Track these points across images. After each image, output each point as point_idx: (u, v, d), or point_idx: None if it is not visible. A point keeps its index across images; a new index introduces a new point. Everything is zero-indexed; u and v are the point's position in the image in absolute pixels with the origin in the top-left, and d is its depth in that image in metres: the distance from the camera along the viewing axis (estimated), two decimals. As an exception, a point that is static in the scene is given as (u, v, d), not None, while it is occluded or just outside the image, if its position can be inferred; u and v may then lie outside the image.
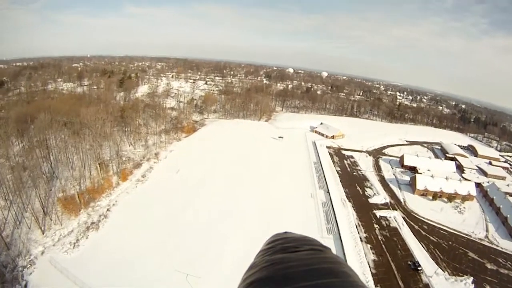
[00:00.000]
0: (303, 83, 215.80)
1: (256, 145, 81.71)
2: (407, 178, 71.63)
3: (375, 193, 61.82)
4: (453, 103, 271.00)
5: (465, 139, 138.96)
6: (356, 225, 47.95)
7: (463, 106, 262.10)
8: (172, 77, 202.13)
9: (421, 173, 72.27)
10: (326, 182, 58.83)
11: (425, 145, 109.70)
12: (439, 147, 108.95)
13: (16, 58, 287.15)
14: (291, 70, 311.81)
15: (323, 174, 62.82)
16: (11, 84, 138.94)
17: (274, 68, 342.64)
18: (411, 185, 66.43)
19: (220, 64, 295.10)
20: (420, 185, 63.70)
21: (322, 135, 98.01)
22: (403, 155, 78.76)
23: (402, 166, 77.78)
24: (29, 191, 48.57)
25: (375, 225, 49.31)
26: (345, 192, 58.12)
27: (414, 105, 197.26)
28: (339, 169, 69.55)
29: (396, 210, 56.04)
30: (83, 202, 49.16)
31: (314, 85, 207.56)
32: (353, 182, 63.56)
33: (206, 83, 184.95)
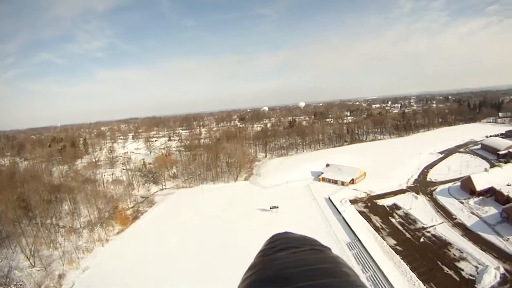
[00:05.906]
0: (282, 118, 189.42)
1: (235, 232, 46.69)
2: (493, 210, 45.13)
3: (476, 266, 33.46)
4: (441, 98, 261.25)
5: (489, 127, 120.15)
6: None
7: (450, 97, 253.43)
8: (133, 138, 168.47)
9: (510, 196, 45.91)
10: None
11: (462, 150, 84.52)
12: (479, 146, 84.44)
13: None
14: (266, 108, 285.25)
15: (380, 270, 32.92)
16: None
17: (248, 110, 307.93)
18: (509, 221, 40.61)
19: (189, 116, 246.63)
20: (527, 219, 38.06)
21: (336, 182, 65.61)
22: (470, 178, 51.31)
23: (472, 193, 50.59)
24: None
25: None
26: (434, 294, 28.96)
27: (411, 109, 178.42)
28: (394, 241, 39.16)
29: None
30: None
31: (295, 117, 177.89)
32: (431, 259, 34.56)
33: (169, 140, 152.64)
